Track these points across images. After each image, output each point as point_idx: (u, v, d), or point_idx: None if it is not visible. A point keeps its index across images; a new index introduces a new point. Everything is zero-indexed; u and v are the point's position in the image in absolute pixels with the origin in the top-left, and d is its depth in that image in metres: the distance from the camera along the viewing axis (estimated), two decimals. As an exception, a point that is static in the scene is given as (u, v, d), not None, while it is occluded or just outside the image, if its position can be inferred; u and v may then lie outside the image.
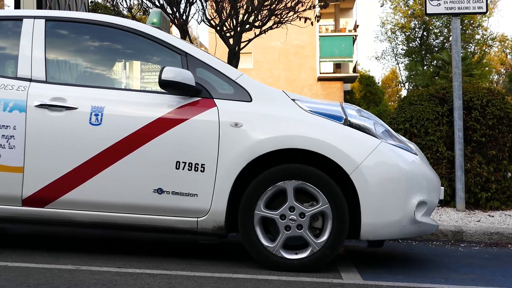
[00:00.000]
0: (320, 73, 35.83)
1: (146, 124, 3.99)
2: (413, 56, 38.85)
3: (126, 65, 4.95)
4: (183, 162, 3.97)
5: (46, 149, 4.03)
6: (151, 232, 4.16)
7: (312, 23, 9.88)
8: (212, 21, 10.50)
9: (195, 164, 3.96)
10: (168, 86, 3.98)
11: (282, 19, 9.85)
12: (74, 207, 4.05)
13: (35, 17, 4.34)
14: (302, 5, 10.18)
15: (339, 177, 3.97)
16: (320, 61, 36.21)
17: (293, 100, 4.14)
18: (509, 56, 48.94)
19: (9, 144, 4.02)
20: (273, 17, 9.68)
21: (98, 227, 4.21)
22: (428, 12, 7.47)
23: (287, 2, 10.20)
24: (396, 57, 42.27)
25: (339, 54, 37.36)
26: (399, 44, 41.62)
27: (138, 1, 10.67)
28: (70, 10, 8.99)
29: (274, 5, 9.82)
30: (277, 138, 3.94)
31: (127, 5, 10.94)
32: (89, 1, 12.16)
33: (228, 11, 9.80)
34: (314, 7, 10.56)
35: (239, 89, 4.10)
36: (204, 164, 3.95)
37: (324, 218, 3.94)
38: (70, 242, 5.10)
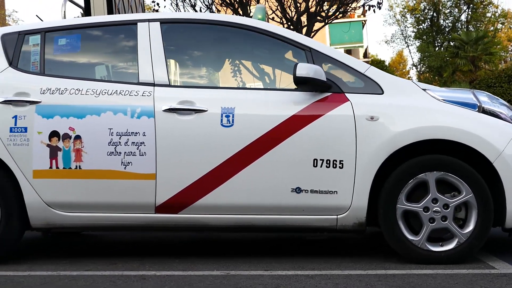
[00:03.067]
0: (332, 60, 35.55)
1: (279, 123, 3.91)
2: (424, 37, 38.67)
3: (247, 64, 4.84)
4: (320, 160, 3.89)
5: (178, 154, 3.94)
6: (288, 232, 4.08)
7: (374, 11, 9.81)
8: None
9: (333, 160, 3.88)
10: (302, 83, 3.89)
11: (348, 9, 9.78)
12: (209, 212, 3.97)
13: (149, 21, 4.24)
14: None
15: (476, 166, 3.93)
16: (330, 48, 35.94)
17: (424, 90, 4.05)
18: (516, 33, 48.66)
19: (139, 151, 3.94)
20: (342, 6, 9.59)
21: (233, 230, 4.15)
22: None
23: None
24: (406, 39, 42.09)
25: (349, 40, 37.27)
26: (408, 27, 41.42)
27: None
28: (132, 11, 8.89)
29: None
30: (417, 129, 3.86)
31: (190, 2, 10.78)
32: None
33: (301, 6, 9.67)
34: None
35: (369, 81, 4.01)
36: (342, 160, 3.87)
37: (468, 208, 3.86)
38: (182, 247, 5.02)
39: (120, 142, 3.94)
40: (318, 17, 9.89)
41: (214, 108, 3.95)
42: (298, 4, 10.10)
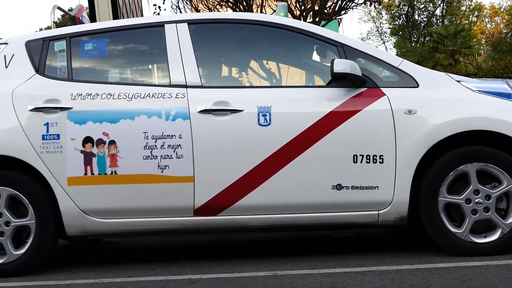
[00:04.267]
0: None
1: (317, 120, 3.88)
2: (400, 33, 38.99)
3: (277, 62, 4.80)
4: (360, 155, 3.87)
5: (216, 155, 3.89)
6: (327, 230, 4.05)
7: (375, 7, 9.84)
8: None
9: (373, 156, 3.87)
10: (340, 79, 3.88)
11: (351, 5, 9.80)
12: (249, 212, 3.93)
13: (176, 22, 4.19)
14: None
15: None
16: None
17: (458, 81, 4.06)
18: (488, 25, 49.34)
19: (176, 154, 3.89)
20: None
21: (273, 230, 4.12)
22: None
23: None
24: (382, 36, 42.39)
25: (326, 38, 37.25)
26: (383, 23, 41.73)
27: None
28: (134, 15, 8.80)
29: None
30: (455, 121, 3.87)
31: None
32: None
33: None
34: None
35: (404, 75, 4.01)
36: (382, 155, 3.86)
37: (509, 198, 3.87)
38: (205, 250, 5.00)
39: (156, 146, 3.88)
40: (323, 14, 9.89)
41: (250, 107, 3.91)
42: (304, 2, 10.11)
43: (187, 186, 3.90)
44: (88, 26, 4.34)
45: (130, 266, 4.13)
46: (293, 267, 3.83)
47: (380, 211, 3.89)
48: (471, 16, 37.73)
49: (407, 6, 38.94)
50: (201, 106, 3.92)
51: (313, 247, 4.77)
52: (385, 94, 3.92)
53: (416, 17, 38.72)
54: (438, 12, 38.22)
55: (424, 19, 38.33)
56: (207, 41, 4.32)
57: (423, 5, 38.11)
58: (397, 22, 39.55)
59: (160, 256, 4.72)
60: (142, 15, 9.89)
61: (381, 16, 41.22)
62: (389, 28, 40.98)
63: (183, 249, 5.06)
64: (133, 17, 8.80)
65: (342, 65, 3.83)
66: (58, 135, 3.93)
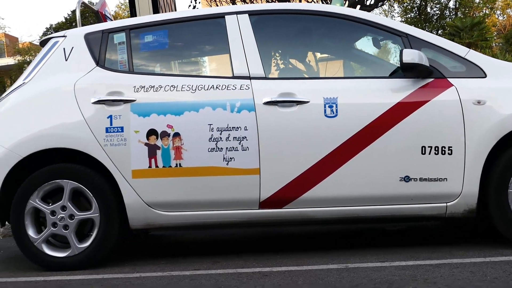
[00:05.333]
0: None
1: (385, 111, 3.84)
2: (412, 26, 38.67)
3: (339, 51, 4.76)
4: (429, 147, 3.83)
5: (282, 148, 3.86)
6: (393, 223, 4.01)
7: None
8: None
9: (442, 147, 3.82)
10: (409, 69, 3.83)
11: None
12: (315, 205, 3.90)
13: (237, 13, 4.14)
14: None
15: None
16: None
17: (526, 70, 4.00)
18: (500, 18, 48.99)
19: (241, 146, 3.85)
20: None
21: (338, 222, 4.08)
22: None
23: None
24: (394, 29, 42.01)
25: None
26: (395, 17, 41.50)
27: None
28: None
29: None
30: None
31: None
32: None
33: None
34: None
35: (471, 65, 3.95)
36: (451, 147, 3.81)
37: None
38: (256, 243, 4.94)
39: (221, 138, 3.84)
40: (364, 6, 9.83)
41: (316, 98, 3.87)
42: None
43: (252, 178, 3.86)
44: (147, 18, 4.30)
45: (192, 260, 4.10)
46: (360, 259, 3.79)
47: (448, 204, 3.85)
48: (484, 8, 37.43)
49: (419, -1, 38.72)
50: (266, 98, 3.88)
51: (368, 240, 4.73)
52: (453, 85, 3.87)
53: (429, 9, 38.46)
54: (451, 4, 37.97)
55: (437, 11, 38.06)
56: (268, 32, 4.28)
57: (436, -3, 37.85)
58: (409, 15, 39.29)
59: (216, 249, 4.68)
60: (176, 9, 9.85)
61: (393, 9, 40.99)
62: (401, 21, 40.75)
63: (238, 242, 5.01)
64: (170, 10, 8.74)
65: (411, 55, 3.78)
66: (121, 128, 3.90)
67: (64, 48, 4.18)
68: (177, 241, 5.33)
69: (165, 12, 7.95)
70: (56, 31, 50.19)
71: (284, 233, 5.19)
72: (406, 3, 38.42)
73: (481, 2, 36.91)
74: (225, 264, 3.91)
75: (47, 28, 54.68)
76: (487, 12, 37.14)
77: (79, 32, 4.27)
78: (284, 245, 4.68)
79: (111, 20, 9.52)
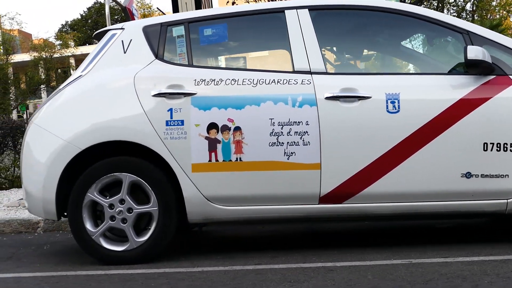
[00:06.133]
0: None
1: (447, 107, 3.83)
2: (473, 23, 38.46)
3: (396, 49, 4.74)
4: (490, 143, 3.82)
5: (343, 143, 3.85)
6: (453, 219, 3.99)
7: None
8: None
9: (504, 144, 3.81)
10: (472, 66, 3.81)
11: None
12: (375, 200, 3.89)
13: (297, 8, 4.13)
14: None
15: None
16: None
17: None
18: (516, 21, 48.73)
19: (303, 140, 3.85)
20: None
21: (398, 218, 4.07)
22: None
23: None
24: (410, 31, 41.97)
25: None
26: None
27: None
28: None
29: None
30: None
31: None
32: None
33: None
34: None
35: (533, 63, 3.92)
36: (513, 143, 3.78)
37: None
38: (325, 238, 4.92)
39: (282, 132, 3.84)
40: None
41: (378, 94, 3.86)
42: None
43: (313, 173, 3.85)
44: (206, 11, 4.31)
45: (248, 254, 4.08)
46: (421, 255, 3.78)
47: (509, 200, 3.84)
48: (501, 11, 37.28)
49: (436, 1, 38.60)
50: (328, 93, 3.87)
51: (415, 237, 4.70)
52: (515, 82, 3.84)
53: (446, 12, 38.33)
54: (468, 7, 37.84)
55: (454, 14, 37.93)
56: (329, 28, 4.27)
57: (453, 0, 37.72)
58: (425, 17, 39.16)
59: (266, 244, 4.67)
60: (212, 5, 9.86)
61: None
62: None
63: (285, 238, 4.99)
64: (208, 6, 8.75)
65: (475, 52, 3.77)
66: (182, 121, 3.90)
67: (122, 41, 4.18)
68: (219, 236, 5.30)
69: (205, 7, 7.95)
70: (71, 28, 50.59)
71: (325, 229, 5.16)
72: (423, 5, 38.28)
73: (498, 5, 36.74)
74: (284, 259, 3.90)
75: (62, 25, 55.03)
76: (503, 15, 36.96)
77: (137, 25, 4.28)
78: (332, 241, 4.65)
79: (137, 16, 9.51)
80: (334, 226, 5.26)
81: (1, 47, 32.09)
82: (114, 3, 8.01)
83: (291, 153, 3.85)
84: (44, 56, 31.65)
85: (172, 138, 3.88)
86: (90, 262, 4.01)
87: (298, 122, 3.84)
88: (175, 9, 6.88)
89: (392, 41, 4.58)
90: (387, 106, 3.83)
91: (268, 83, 3.91)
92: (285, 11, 4.14)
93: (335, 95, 3.86)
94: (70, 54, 33.22)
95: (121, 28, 4.26)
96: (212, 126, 3.88)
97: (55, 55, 32.31)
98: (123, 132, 3.94)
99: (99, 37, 4.45)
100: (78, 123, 3.99)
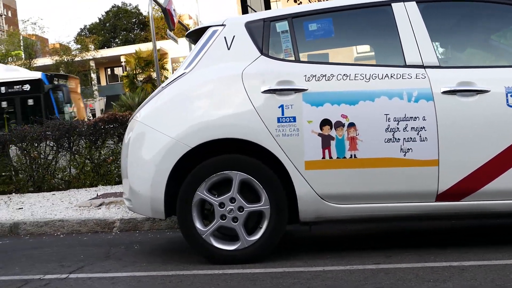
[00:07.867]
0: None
1: None
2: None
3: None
4: None
5: (461, 138, 3.73)
6: None
7: None
8: None
9: None
10: None
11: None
12: (495, 197, 3.76)
13: (404, 0, 4.02)
14: None
15: None
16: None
17: None
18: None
19: (420, 136, 3.73)
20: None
21: (516, 216, 3.92)
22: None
23: None
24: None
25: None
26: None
27: None
28: None
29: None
30: None
31: None
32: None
33: None
34: None
35: None
36: None
37: None
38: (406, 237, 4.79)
39: (398, 128, 3.73)
40: None
41: (497, 87, 3.74)
42: None
43: (430, 170, 3.74)
44: (309, 6, 4.21)
45: (356, 254, 4.03)
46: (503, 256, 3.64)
47: None
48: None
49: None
50: (444, 87, 3.76)
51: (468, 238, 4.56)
52: None
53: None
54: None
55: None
56: (439, 20, 4.16)
57: None
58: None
59: (371, 243, 4.55)
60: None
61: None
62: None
63: (384, 236, 4.87)
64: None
65: None
66: (294, 118, 3.80)
67: (225, 37, 4.09)
68: (306, 236, 5.17)
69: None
70: (90, 32, 50.76)
71: (414, 228, 5.02)
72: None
73: None
74: (400, 258, 3.80)
75: (81, 28, 55.23)
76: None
77: (239, 21, 4.18)
78: (430, 239, 4.52)
79: (176, 16, 9.41)
80: (422, 225, 5.14)
81: (24, 52, 32.31)
82: (154, 6, 7.95)
83: (408, 149, 3.74)
84: (65, 60, 31.84)
85: (284, 135, 3.79)
86: (197, 262, 3.92)
87: (415, 117, 3.73)
88: (267, 7, 6.77)
89: (505, 32, 4.45)
90: (507, 99, 3.72)
91: (381, 78, 3.81)
92: (392, 4, 4.03)
93: (452, 89, 3.75)
94: (91, 57, 33.39)
95: (222, 25, 4.17)
96: (325, 122, 3.78)
97: (76, 59, 32.52)
98: (234, 130, 3.85)
99: (192, 35, 4.36)
100: (187, 121, 3.90)
